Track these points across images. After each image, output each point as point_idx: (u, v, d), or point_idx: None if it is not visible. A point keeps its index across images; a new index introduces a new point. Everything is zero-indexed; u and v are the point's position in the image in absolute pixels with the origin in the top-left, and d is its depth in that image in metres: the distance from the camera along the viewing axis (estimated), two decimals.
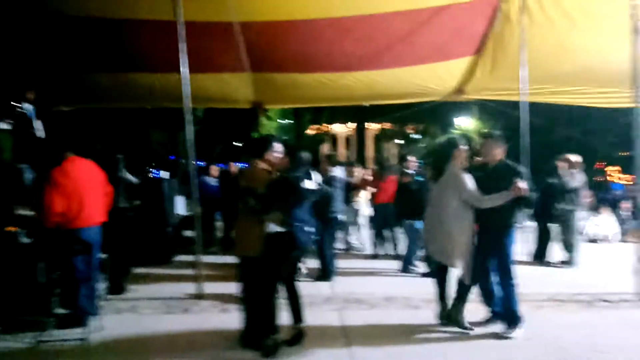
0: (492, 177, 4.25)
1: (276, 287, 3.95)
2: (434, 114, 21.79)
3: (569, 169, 7.67)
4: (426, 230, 4.60)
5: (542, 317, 4.76)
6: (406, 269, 6.93)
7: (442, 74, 8.22)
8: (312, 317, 4.64)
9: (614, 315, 4.89)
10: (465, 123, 24.63)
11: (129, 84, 8.04)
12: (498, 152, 4.39)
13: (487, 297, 4.50)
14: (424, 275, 6.63)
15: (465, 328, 4.40)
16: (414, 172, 7.18)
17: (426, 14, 6.60)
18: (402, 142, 27.97)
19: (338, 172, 7.49)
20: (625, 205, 10.32)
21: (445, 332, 4.43)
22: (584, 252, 7.72)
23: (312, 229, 4.09)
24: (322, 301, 5.38)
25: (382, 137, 27.28)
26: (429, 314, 4.78)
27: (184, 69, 5.77)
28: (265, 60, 7.68)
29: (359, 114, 22.73)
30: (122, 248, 5.77)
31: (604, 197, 11.81)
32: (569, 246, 7.55)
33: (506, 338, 4.19)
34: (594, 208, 10.51)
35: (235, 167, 9.01)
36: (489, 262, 4.38)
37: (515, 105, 7.30)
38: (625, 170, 11.86)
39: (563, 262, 7.55)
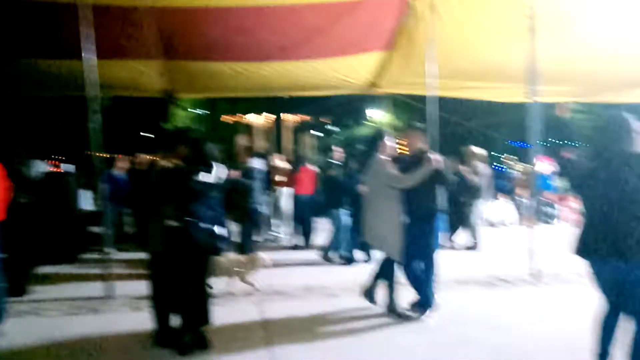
0: (415, 164, 4.47)
1: (185, 284, 3.79)
2: (349, 106, 22.31)
3: (475, 161, 8.24)
4: (364, 220, 4.71)
5: (448, 298, 5.06)
6: (327, 257, 7.05)
7: (357, 68, 8.41)
8: (230, 312, 4.61)
9: (512, 294, 5.33)
10: (379, 116, 25.43)
11: (29, 70, 7.41)
12: (420, 142, 4.67)
13: (415, 281, 4.70)
14: (344, 264, 6.81)
15: (400, 315, 4.58)
16: (339, 163, 7.34)
17: (343, 7, 6.70)
18: (318, 134, 28.30)
19: (257, 163, 7.44)
20: (521, 192, 11.23)
21: (363, 318, 4.57)
22: (485, 237, 8.32)
23: (210, 226, 3.80)
24: (241, 295, 5.35)
25: (299, 129, 27.41)
26: (347, 302, 4.92)
27: (89, 55, 5.43)
28: (178, 48, 7.40)
29: (276, 105, 22.66)
30: (22, 246, 5.34)
31: (502, 184, 12.74)
32: (473, 231, 8.12)
33: (418, 321, 4.41)
34: (493, 195, 11.34)
35: (144, 159, 8.65)
36: (416, 248, 4.60)
37: (425, 99, 7.66)
38: (521, 160, 12.90)
39: (468, 247, 8.09)
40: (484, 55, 7.46)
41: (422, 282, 4.61)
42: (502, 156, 15.17)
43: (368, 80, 8.92)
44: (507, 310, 4.73)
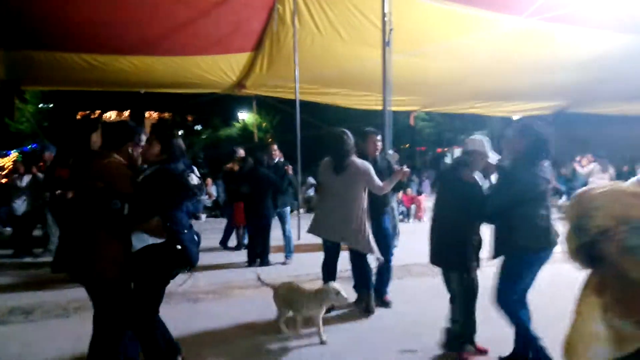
0: (379, 167, 4.57)
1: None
2: (216, 106, 21.88)
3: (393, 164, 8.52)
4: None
5: None
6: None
7: (222, 67, 8.34)
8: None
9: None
10: (246, 117, 25.38)
11: None
12: (379, 146, 4.72)
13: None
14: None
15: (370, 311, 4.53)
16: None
17: (207, 5, 6.59)
18: (182, 132, 27.38)
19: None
20: None
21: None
22: None
23: (198, 237, 3.17)
24: None
25: (160, 127, 26.16)
26: (207, 306, 4.82)
27: None
28: (22, 36, 6.64)
29: (136, 101, 21.39)
30: None
31: None
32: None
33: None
34: None
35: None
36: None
37: (290, 102, 7.85)
38: None
39: None
40: (344, 63, 7.88)
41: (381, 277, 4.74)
42: None
43: (234, 81, 8.88)
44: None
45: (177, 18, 6.79)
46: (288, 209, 6.94)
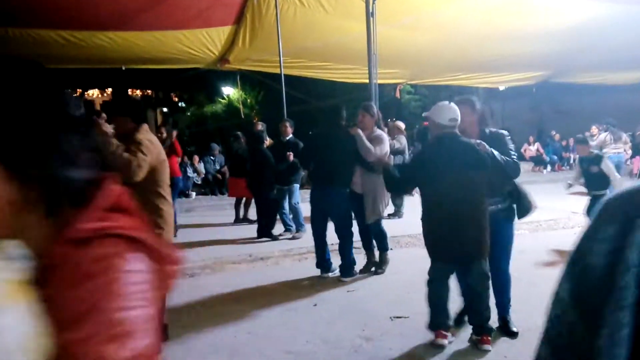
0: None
1: None
2: (200, 81, 21.48)
3: (400, 135, 8.04)
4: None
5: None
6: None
7: (204, 41, 8.19)
8: None
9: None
10: (230, 92, 25.00)
11: None
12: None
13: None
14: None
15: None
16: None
17: None
18: (166, 109, 27.02)
19: None
20: None
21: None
22: None
23: None
24: None
25: (144, 104, 25.67)
26: (203, 281, 4.86)
27: None
28: None
29: (118, 78, 20.95)
30: None
31: None
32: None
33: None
34: None
35: None
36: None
37: (275, 76, 7.76)
38: None
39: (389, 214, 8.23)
40: (328, 36, 7.77)
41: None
42: None
43: (216, 55, 8.74)
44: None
45: None
46: (294, 185, 6.85)
